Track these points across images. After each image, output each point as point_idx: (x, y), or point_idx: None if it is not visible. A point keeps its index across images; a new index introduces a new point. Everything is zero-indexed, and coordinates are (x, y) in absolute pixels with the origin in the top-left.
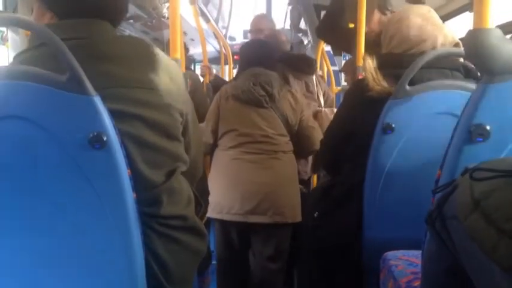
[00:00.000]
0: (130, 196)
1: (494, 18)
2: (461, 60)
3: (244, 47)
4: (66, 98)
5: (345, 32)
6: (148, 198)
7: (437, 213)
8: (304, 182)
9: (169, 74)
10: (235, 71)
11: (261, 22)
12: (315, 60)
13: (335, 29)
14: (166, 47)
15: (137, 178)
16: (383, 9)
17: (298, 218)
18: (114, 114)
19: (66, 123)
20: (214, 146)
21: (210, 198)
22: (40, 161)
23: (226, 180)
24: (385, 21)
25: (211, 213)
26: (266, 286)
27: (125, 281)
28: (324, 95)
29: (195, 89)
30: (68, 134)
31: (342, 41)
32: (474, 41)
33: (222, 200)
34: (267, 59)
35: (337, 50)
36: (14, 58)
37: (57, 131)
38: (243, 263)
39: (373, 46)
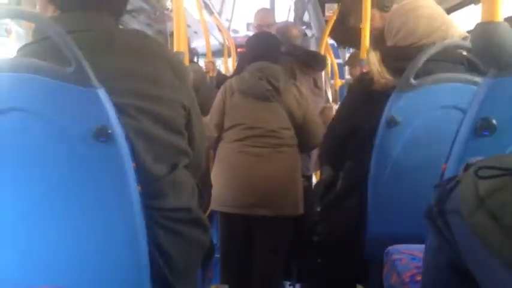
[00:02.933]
0: (135, 189)
1: (502, 12)
2: (464, 53)
3: (250, 40)
4: (71, 91)
5: (355, 31)
6: (153, 191)
7: (438, 208)
8: (305, 177)
9: (173, 68)
10: None
11: (270, 16)
12: (324, 57)
13: (346, 29)
14: (170, 39)
15: (141, 171)
16: (381, 7)
17: (300, 211)
18: (118, 107)
19: (70, 116)
20: (219, 139)
21: (214, 191)
22: (44, 154)
23: (231, 173)
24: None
25: (215, 205)
26: (267, 278)
27: (129, 273)
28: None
29: (200, 83)
30: (72, 127)
31: (353, 40)
32: (482, 34)
33: (226, 193)
34: (272, 53)
35: (349, 47)
36: (18, 51)
37: (62, 124)
38: (246, 255)
39: (380, 43)
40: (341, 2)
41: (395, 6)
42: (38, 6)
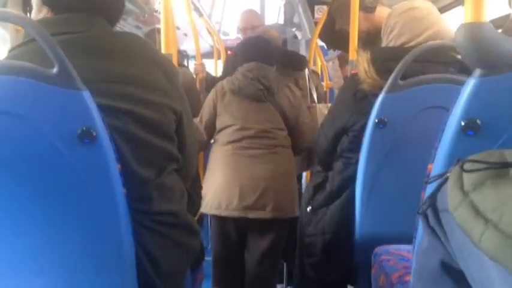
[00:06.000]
0: (120, 191)
1: (486, 13)
2: (459, 56)
3: (242, 43)
4: (55, 92)
5: (344, 34)
6: (139, 194)
7: (429, 204)
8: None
9: (165, 72)
10: None
11: (255, 19)
12: (304, 57)
13: (336, 33)
14: (157, 36)
15: (127, 174)
16: (364, 8)
17: (296, 213)
18: (104, 109)
19: (54, 118)
20: (208, 142)
21: (208, 194)
22: (28, 156)
23: (225, 175)
24: (375, 17)
25: (209, 209)
26: (261, 281)
27: (115, 276)
28: (316, 90)
29: (189, 87)
30: (56, 128)
31: (343, 42)
32: (466, 34)
33: (221, 196)
34: (264, 54)
35: (339, 50)
36: (8, 53)
37: (45, 125)
38: (239, 258)
39: (368, 45)
40: (331, 6)
41: (383, 7)
42: (33, 10)
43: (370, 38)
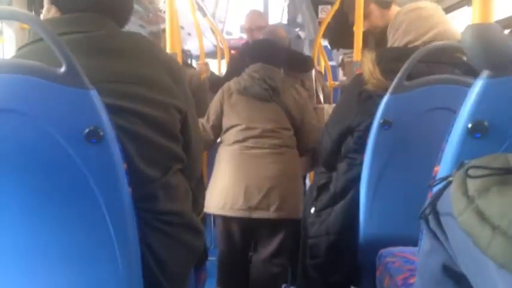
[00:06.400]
0: (126, 191)
1: (493, 13)
2: (465, 58)
3: (249, 44)
4: (62, 92)
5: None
6: (144, 194)
7: (431, 208)
8: None
9: (170, 71)
10: None
11: (261, 19)
12: (311, 58)
13: (345, 30)
14: (162, 34)
15: (133, 173)
16: (381, 4)
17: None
18: (110, 108)
19: (61, 117)
20: (215, 142)
21: (213, 194)
22: (35, 156)
23: (230, 175)
24: (390, 14)
25: (214, 209)
26: (267, 282)
27: (121, 275)
28: (323, 91)
29: (197, 87)
30: (63, 128)
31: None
32: (473, 35)
33: (226, 196)
34: (269, 55)
35: (346, 48)
36: (16, 51)
37: (52, 124)
38: (244, 258)
39: (380, 41)
40: (343, 3)
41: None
42: (44, 9)
43: (384, 35)
